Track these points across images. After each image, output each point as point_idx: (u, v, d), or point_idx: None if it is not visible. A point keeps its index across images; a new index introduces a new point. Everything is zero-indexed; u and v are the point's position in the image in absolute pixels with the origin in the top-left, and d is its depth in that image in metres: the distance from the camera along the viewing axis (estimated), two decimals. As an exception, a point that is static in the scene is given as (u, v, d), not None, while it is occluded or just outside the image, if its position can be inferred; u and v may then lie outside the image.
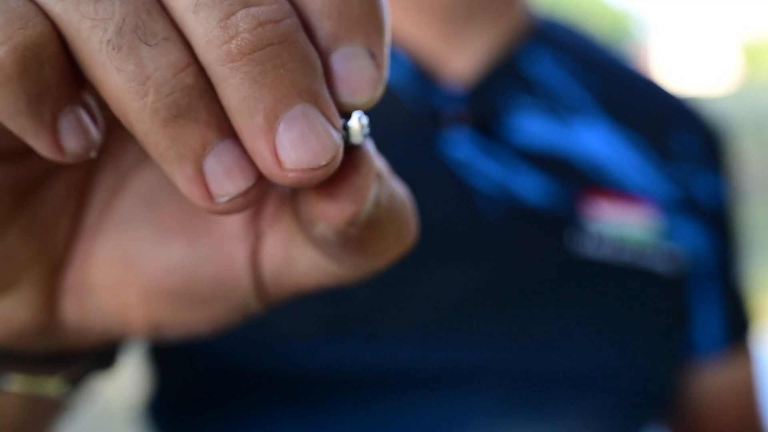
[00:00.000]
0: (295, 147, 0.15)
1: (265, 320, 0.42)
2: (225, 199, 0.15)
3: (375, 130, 0.46)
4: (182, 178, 0.15)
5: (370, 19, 0.16)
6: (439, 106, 0.47)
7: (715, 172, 0.52)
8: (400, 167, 0.45)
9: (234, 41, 0.14)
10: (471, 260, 0.44)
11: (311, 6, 0.15)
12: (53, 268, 0.20)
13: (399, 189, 0.19)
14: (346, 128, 0.16)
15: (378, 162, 0.18)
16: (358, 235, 0.17)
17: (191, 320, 0.21)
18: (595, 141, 0.49)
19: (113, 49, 0.14)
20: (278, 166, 0.15)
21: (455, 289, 0.44)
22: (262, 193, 0.15)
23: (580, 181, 0.48)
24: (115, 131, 0.20)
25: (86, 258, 0.20)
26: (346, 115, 0.16)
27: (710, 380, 0.52)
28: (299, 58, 0.15)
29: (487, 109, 0.47)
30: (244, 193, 0.15)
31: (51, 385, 0.22)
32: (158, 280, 0.20)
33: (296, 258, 0.19)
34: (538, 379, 0.44)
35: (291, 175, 0.15)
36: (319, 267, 0.19)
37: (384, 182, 0.18)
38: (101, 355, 0.24)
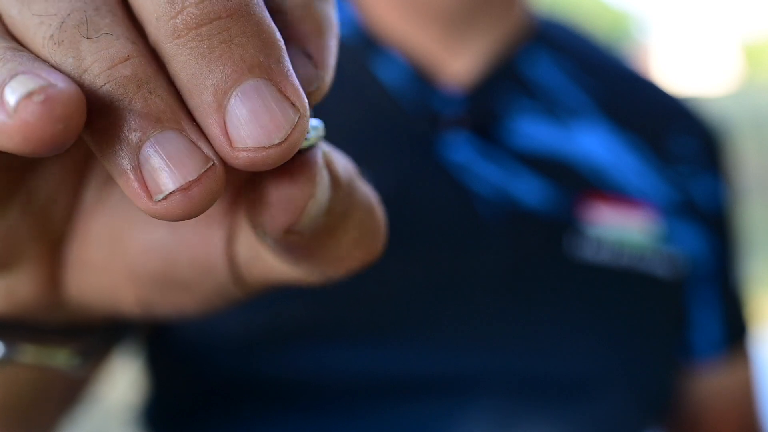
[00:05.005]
0: (245, 124, 0.14)
1: (260, 324, 0.42)
2: (161, 195, 0.14)
3: (373, 133, 0.46)
4: (119, 173, 0.14)
5: (306, 21, 0.15)
6: (437, 108, 0.46)
7: (714, 175, 0.52)
8: (398, 170, 0.45)
9: (180, 16, 0.14)
10: (469, 264, 0.44)
11: None
12: (54, 244, 0.20)
13: (365, 197, 0.18)
14: None
15: (340, 167, 0.17)
16: (304, 243, 0.17)
17: (176, 302, 0.21)
18: (594, 144, 0.49)
19: (55, 43, 0.14)
20: (229, 146, 0.14)
21: (453, 292, 0.44)
22: (209, 193, 0.14)
23: (579, 184, 0.47)
24: None
25: (84, 236, 0.21)
26: None
27: (709, 383, 0.52)
28: (251, 32, 0.14)
29: (486, 112, 0.47)
30: (184, 189, 0.14)
31: (61, 357, 0.23)
32: (139, 263, 0.20)
33: (262, 252, 0.19)
34: (536, 383, 0.44)
35: (242, 155, 0.14)
36: (280, 265, 0.19)
37: (341, 190, 0.17)
38: (110, 330, 0.24)
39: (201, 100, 0.14)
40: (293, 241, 0.17)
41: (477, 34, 0.48)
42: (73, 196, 0.20)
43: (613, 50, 0.58)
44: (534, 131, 0.48)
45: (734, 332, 0.53)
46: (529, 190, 0.46)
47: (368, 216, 0.18)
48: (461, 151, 0.46)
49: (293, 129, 0.14)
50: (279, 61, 0.15)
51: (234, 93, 0.14)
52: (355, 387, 0.42)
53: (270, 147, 0.14)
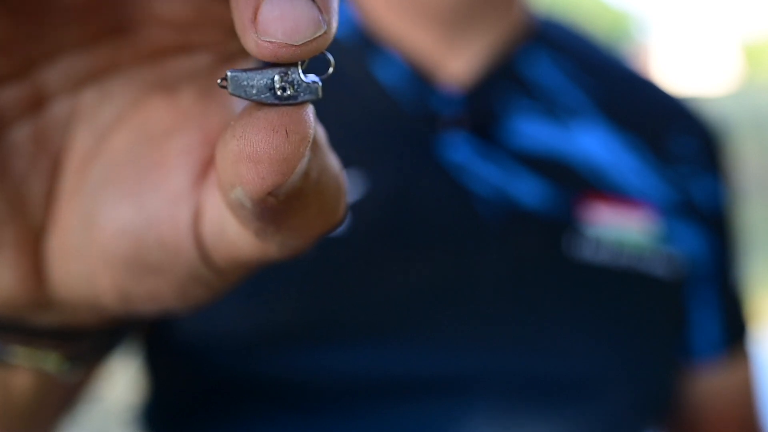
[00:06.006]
0: (278, 9, 0.14)
1: (259, 325, 0.42)
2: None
3: (372, 134, 0.46)
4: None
5: None
6: (436, 108, 0.46)
7: (714, 175, 0.52)
8: (397, 170, 0.45)
9: None
10: (469, 264, 0.44)
11: None
12: (35, 232, 0.20)
13: (333, 163, 0.18)
14: (291, 82, 0.15)
15: (315, 131, 0.17)
16: (276, 206, 0.16)
17: (152, 290, 0.20)
18: (593, 144, 0.49)
19: None
20: (255, 31, 0.14)
21: (453, 293, 0.44)
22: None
23: (579, 184, 0.47)
24: (89, 88, 0.20)
25: (62, 224, 0.20)
26: (290, 65, 0.16)
27: (709, 383, 0.52)
28: None
29: (484, 112, 0.47)
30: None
31: (51, 361, 0.23)
32: (111, 246, 0.20)
33: (226, 226, 0.18)
34: (536, 383, 0.44)
35: (265, 44, 0.14)
36: (243, 238, 0.18)
37: (318, 153, 0.17)
38: (103, 335, 0.24)
39: None
40: (269, 205, 0.16)
41: (476, 34, 0.48)
42: (51, 180, 0.20)
43: (613, 50, 0.58)
44: (533, 131, 0.48)
45: (734, 332, 0.53)
46: (528, 190, 0.46)
47: (335, 182, 0.18)
48: (460, 152, 0.46)
49: (319, 37, 0.15)
50: None
51: None
52: (355, 387, 0.42)
53: (293, 45, 0.15)
